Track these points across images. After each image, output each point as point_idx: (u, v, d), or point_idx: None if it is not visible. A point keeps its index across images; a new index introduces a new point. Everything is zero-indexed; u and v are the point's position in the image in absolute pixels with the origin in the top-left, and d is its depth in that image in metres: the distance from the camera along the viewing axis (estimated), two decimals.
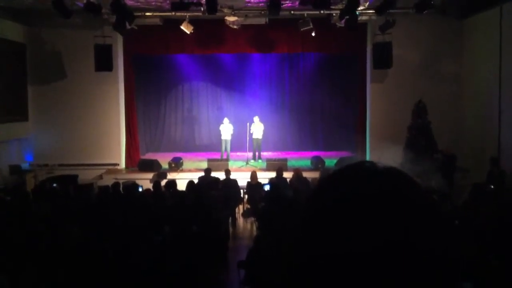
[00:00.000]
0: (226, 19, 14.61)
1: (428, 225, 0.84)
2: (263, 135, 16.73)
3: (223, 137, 16.85)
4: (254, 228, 11.14)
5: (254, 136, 16.55)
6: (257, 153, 16.74)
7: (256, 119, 16.69)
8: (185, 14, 14.48)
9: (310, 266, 0.86)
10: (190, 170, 15.43)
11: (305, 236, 0.90)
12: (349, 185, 0.89)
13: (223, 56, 18.91)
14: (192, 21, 14.71)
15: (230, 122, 17.02)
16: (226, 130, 16.79)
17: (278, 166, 13.48)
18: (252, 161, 16.40)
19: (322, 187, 0.94)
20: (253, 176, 12.92)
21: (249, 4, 14.70)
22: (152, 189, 11.33)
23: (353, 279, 0.81)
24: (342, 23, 14.45)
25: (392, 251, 0.80)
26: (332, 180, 0.93)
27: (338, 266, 0.82)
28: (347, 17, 13.92)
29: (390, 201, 0.84)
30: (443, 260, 0.83)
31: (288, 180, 12.66)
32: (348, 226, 0.83)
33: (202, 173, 13.39)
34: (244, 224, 12.45)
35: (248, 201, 12.77)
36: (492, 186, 10.63)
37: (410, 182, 0.90)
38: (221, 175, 13.03)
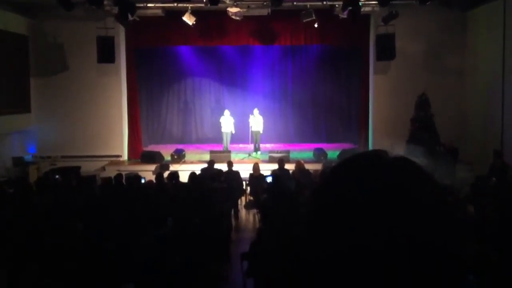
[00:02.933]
0: (228, 10, 14.55)
1: (436, 221, 0.83)
2: (264, 127, 16.68)
3: (223, 130, 16.81)
4: (257, 220, 11.15)
5: (253, 129, 16.51)
6: (256, 145, 16.70)
7: (255, 111, 16.64)
8: (187, 5, 14.45)
9: (315, 261, 0.85)
10: (192, 162, 15.45)
11: (311, 231, 0.88)
12: (355, 178, 0.87)
13: (225, 48, 18.87)
14: (194, 12, 14.67)
15: (231, 114, 16.97)
16: (227, 122, 16.76)
17: (280, 158, 13.49)
18: (254, 153, 16.40)
19: (328, 181, 0.92)
20: (256, 168, 12.92)
21: None
22: (154, 181, 11.36)
23: (359, 274, 0.80)
24: (345, 14, 14.40)
25: (399, 247, 0.80)
26: (338, 172, 0.92)
27: (344, 262, 0.81)
28: (350, 8, 13.86)
29: (397, 196, 0.83)
30: (450, 255, 0.83)
31: (290, 172, 12.67)
32: (355, 221, 0.82)
33: (205, 165, 13.42)
34: (246, 216, 12.47)
35: (251, 193, 12.79)
36: (494, 179, 10.62)
37: (421, 175, 0.88)
38: (223, 167, 13.04)
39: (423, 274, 0.80)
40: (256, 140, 16.60)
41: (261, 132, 16.64)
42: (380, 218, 0.81)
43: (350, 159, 0.93)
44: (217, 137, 18.00)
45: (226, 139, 16.70)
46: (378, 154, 0.92)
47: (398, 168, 0.88)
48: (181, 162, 15.30)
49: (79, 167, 14.53)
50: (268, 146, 17.55)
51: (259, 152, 16.46)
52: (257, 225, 10.42)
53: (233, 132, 16.74)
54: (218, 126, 17.23)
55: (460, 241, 0.86)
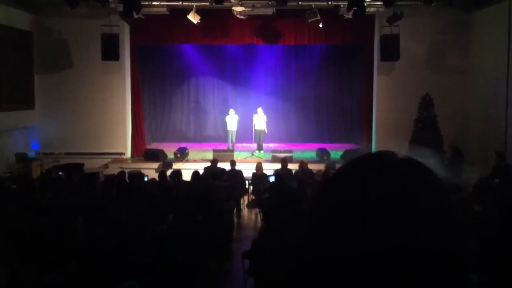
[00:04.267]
0: (233, 9, 14.56)
1: (442, 225, 0.82)
2: (267, 127, 16.69)
3: (228, 128, 16.85)
4: (259, 219, 11.15)
5: (256, 128, 16.52)
6: (259, 144, 16.69)
7: (259, 110, 16.65)
8: (192, 3, 14.46)
9: (317, 264, 0.84)
10: (195, 160, 15.45)
11: (313, 233, 0.87)
12: (360, 181, 0.85)
13: (229, 47, 18.87)
14: (199, 11, 14.68)
15: (236, 113, 17.02)
16: (232, 121, 16.79)
17: (283, 158, 13.49)
18: (257, 152, 16.41)
19: (332, 183, 0.90)
20: (258, 167, 12.93)
21: None
22: (157, 179, 11.36)
23: (361, 278, 0.79)
24: (349, 15, 14.38)
25: (404, 251, 0.78)
26: (343, 175, 0.90)
27: (346, 266, 0.80)
28: (355, 8, 13.84)
29: (403, 200, 0.81)
30: (455, 260, 0.81)
31: (293, 171, 12.67)
32: (359, 225, 0.80)
33: (208, 164, 13.42)
34: (248, 215, 12.47)
35: (253, 192, 12.79)
36: (497, 180, 10.60)
37: (427, 178, 0.86)
38: (226, 166, 13.05)
39: (427, 278, 0.79)
40: (260, 139, 16.61)
41: (266, 131, 16.64)
42: (385, 222, 0.79)
43: (355, 161, 0.90)
44: (221, 136, 18.01)
45: (232, 137, 16.72)
46: (383, 156, 0.89)
47: (404, 171, 0.85)
48: (184, 161, 15.30)
49: (82, 164, 14.54)
50: (271, 145, 17.55)
51: (262, 151, 16.46)
52: (259, 224, 10.44)
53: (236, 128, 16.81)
54: (222, 124, 17.26)
55: (465, 244, 0.84)
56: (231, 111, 17.01)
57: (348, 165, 0.91)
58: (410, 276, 0.78)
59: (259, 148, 16.57)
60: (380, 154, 0.90)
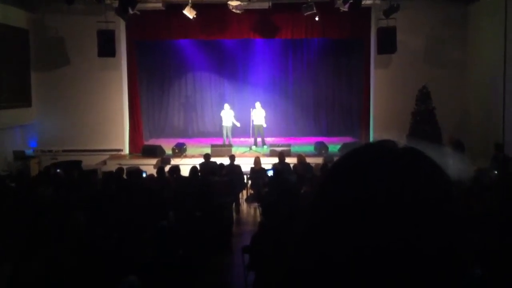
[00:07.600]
0: (229, 4, 14.51)
1: (443, 222, 0.80)
2: (265, 121, 16.62)
3: (224, 124, 16.75)
4: (258, 213, 11.16)
5: (255, 123, 16.46)
6: (259, 139, 16.65)
7: (257, 105, 16.57)
8: None
9: (317, 261, 0.82)
10: (193, 156, 15.42)
11: (312, 230, 0.85)
12: (360, 173, 0.82)
13: (226, 42, 18.82)
14: (195, 6, 14.62)
15: (231, 108, 16.93)
16: (227, 116, 16.73)
17: (280, 152, 13.48)
18: (254, 146, 16.38)
19: (330, 177, 0.88)
20: (257, 161, 12.93)
21: None
22: (156, 175, 11.36)
23: (362, 275, 0.78)
24: (346, 7, 14.34)
25: (403, 248, 0.77)
26: (342, 167, 0.88)
27: (347, 262, 0.79)
28: (351, 1, 13.81)
29: (402, 194, 0.79)
30: (455, 256, 0.80)
31: (291, 165, 12.68)
32: (359, 220, 0.78)
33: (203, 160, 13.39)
34: (247, 209, 12.48)
35: (252, 186, 12.80)
36: (495, 172, 10.62)
37: (431, 169, 0.84)
38: (224, 161, 13.04)
39: (427, 274, 0.77)
40: (261, 134, 16.58)
41: (264, 125, 16.56)
42: (385, 216, 0.77)
43: (354, 152, 0.88)
44: (218, 131, 17.99)
45: (227, 133, 16.67)
46: (384, 146, 0.87)
47: (405, 162, 0.83)
48: (182, 156, 15.29)
49: (80, 161, 14.52)
50: (269, 139, 17.54)
51: (265, 146, 16.34)
52: (258, 218, 10.45)
53: (238, 125, 16.69)
54: (219, 119, 17.20)
55: (466, 239, 0.83)
56: (226, 106, 16.88)
57: (348, 156, 0.88)
58: (410, 272, 0.77)
59: (262, 143, 16.52)
60: (380, 144, 0.88)
